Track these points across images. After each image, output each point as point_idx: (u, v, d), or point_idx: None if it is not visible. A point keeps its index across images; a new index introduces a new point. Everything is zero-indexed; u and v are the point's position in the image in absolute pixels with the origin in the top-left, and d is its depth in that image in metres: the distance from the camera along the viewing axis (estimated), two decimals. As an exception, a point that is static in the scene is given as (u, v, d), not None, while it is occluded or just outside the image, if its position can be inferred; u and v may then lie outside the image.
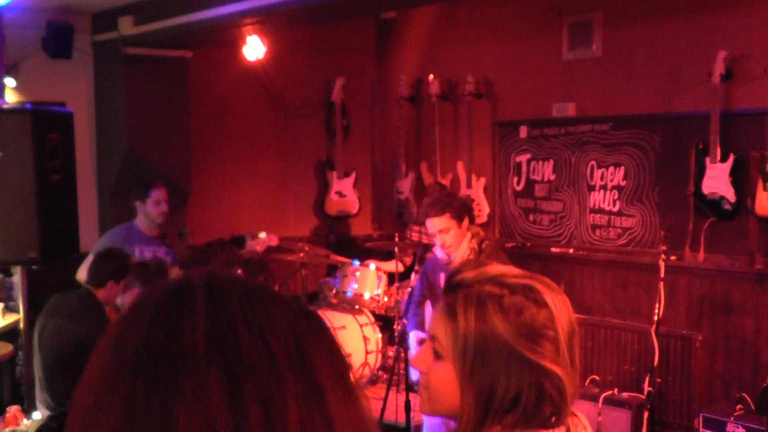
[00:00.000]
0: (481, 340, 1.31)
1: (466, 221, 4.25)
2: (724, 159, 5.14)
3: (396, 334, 5.61)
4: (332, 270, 6.74)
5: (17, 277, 5.28)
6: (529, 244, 6.39)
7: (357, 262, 6.08)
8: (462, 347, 1.33)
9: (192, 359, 0.64)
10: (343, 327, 5.84)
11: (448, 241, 4.21)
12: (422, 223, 4.67)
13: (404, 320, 4.38)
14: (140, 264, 4.33)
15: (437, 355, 1.39)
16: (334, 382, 0.68)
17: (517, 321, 1.31)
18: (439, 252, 4.36)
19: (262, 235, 5.79)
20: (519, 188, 6.48)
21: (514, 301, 1.33)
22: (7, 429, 3.75)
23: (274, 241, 5.82)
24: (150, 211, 5.06)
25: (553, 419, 1.33)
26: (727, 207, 5.16)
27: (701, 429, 4.82)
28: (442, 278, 3.85)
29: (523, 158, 6.44)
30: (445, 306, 1.38)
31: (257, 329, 0.67)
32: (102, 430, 0.64)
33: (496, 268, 1.40)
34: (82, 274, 4.90)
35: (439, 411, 1.43)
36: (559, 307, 1.35)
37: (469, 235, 4.26)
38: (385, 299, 5.98)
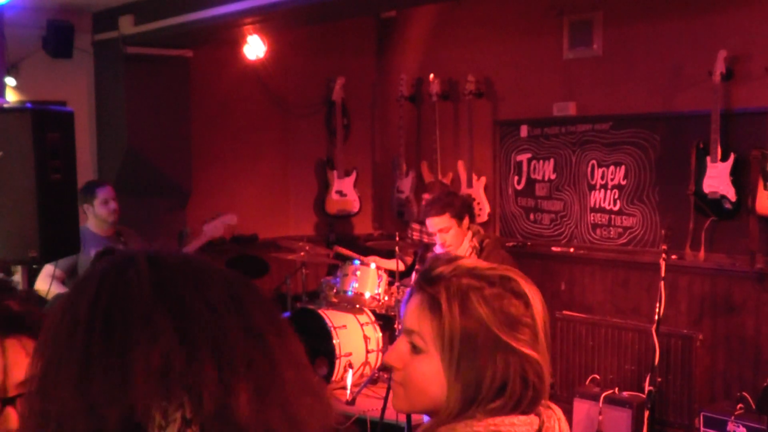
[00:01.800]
0: (467, 332, 1.33)
1: (466, 220, 4.26)
2: (724, 158, 5.14)
3: (396, 333, 5.61)
4: (333, 269, 6.74)
5: (18, 276, 5.28)
6: (529, 243, 6.39)
7: (357, 262, 6.07)
8: (449, 340, 1.33)
9: (141, 306, 0.72)
10: (344, 326, 5.84)
11: (449, 240, 4.22)
12: (423, 222, 4.67)
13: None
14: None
15: (416, 350, 1.38)
16: (270, 326, 0.77)
17: (500, 310, 1.34)
18: (439, 251, 4.37)
19: (218, 216, 5.59)
20: (519, 187, 6.48)
21: (493, 292, 1.35)
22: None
23: (233, 220, 5.71)
24: (99, 211, 5.00)
25: (530, 405, 1.36)
26: (728, 206, 5.16)
27: (702, 428, 4.82)
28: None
29: (523, 157, 6.44)
30: (426, 299, 1.38)
31: (194, 284, 0.75)
32: (62, 379, 0.70)
33: (470, 261, 1.41)
34: (40, 284, 4.93)
35: (417, 407, 1.42)
36: (534, 296, 1.38)
37: (469, 233, 4.27)
38: (386, 298, 5.98)
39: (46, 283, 4.90)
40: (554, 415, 1.41)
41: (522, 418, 1.34)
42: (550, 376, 1.39)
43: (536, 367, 1.34)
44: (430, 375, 1.36)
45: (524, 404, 1.34)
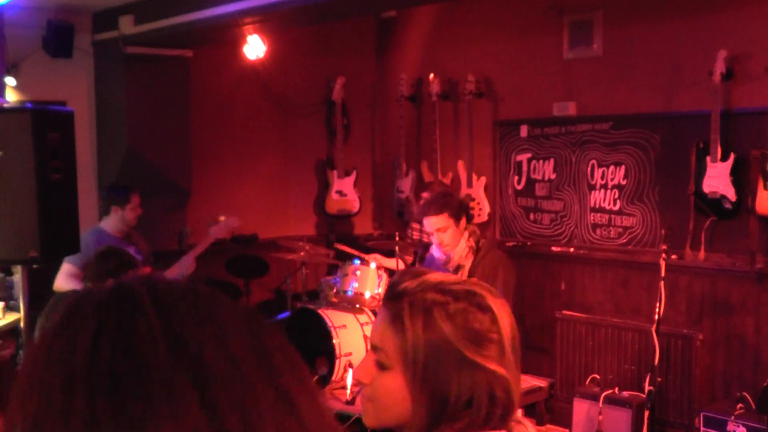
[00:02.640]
0: (430, 348, 1.32)
1: (463, 220, 4.26)
2: (724, 158, 5.14)
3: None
4: (333, 269, 6.74)
5: (18, 276, 5.28)
6: (529, 243, 6.39)
7: (358, 261, 6.07)
8: (412, 356, 1.33)
9: (158, 370, 0.60)
10: (344, 326, 5.84)
11: (446, 240, 4.22)
12: (420, 221, 4.68)
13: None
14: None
15: (382, 366, 1.38)
16: (299, 385, 0.67)
17: (464, 326, 1.32)
18: (436, 251, 4.37)
19: (222, 218, 5.69)
20: (519, 187, 6.48)
21: (458, 307, 1.33)
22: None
23: (237, 223, 5.78)
24: (127, 215, 5.11)
25: (496, 427, 1.34)
26: (728, 206, 5.16)
27: (702, 428, 4.82)
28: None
29: (523, 157, 6.44)
30: (389, 316, 1.37)
31: (214, 334, 0.64)
32: None
33: (437, 276, 1.40)
34: (59, 283, 4.95)
35: (385, 422, 1.41)
36: (501, 311, 1.36)
37: (466, 234, 4.27)
38: (386, 298, 5.97)
39: (69, 282, 4.91)
40: (525, 431, 1.39)
41: None
42: (519, 389, 1.37)
43: (503, 383, 1.32)
44: (395, 391, 1.35)
45: (494, 421, 1.33)
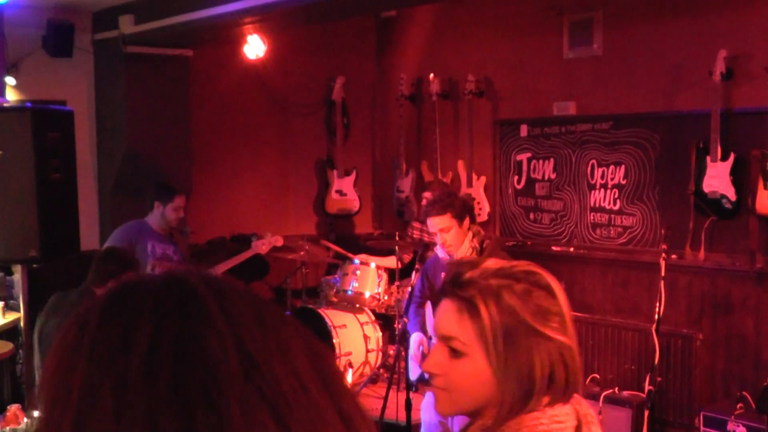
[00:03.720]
0: (507, 328, 1.39)
1: (467, 221, 4.27)
2: (724, 158, 5.14)
3: (396, 332, 5.61)
4: (333, 268, 6.75)
5: (18, 276, 5.28)
6: (529, 243, 6.39)
7: (357, 261, 6.08)
8: (493, 338, 1.40)
9: (230, 388, 0.54)
10: (344, 325, 5.84)
11: (449, 240, 4.23)
12: (424, 222, 4.68)
13: (405, 319, 4.39)
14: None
15: (457, 354, 1.43)
16: (357, 410, 0.63)
17: (531, 304, 1.41)
18: (440, 251, 4.37)
19: (267, 235, 5.88)
20: (519, 187, 6.48)
21: (521, 287, 1.42)
22: (7, 428, 3.75)
23: (279, 242, 5.91)
24: (168, 214, 5.24)
25: (571, 390, 1.44)
26: (728, 206, 5.16)
27: (702, 428, 4.82)
28: (442, 278, 3.84)
29: (523, 157, 6.44)
30: (461, 304, 1.43)
31: (280, 350, 0.59)
32: None
33: (494, 263, 1.48)
34: None
35: (464, 409, 1.47)
36: (557, 286, 1.46)
37: (470, 234, 4.28)
38: (386, 298, 5.98)
39: None
40: (588, 409, 1.48)
41: (567, 409, 1.41)
42: (582, 373, 1.47)
43: (570, 352, 1.41)
44: (475, 375, 1.42)
45: (570, 390, 1.42)
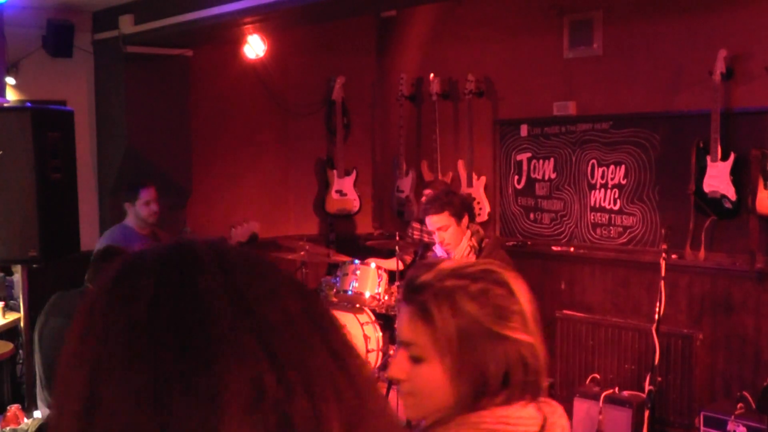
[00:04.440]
0: (461, 331, 1.37)
1: (465, 219, 4.26)
2: (724, 158, 5.14)
3: (397, 332, 5.61)
4: (333, 268, 6.74)
5: (18, 276, 5.28)
6: (529, 243, 6.39)
7: (357, 261, 6.07)
8: (446, 342, 1.38)
9: (221, 321, 0.63)
10: (344, 326, 5.82)
11: (448, 238, 4.22)
12: (423, 221, 4.68)
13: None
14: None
15: (417, 360, 1.42)
16: (346, 346, 0.70)
17: (487, 304, 1.39)
18: (438, 250, 4.37)
19: (244, 223, 5.83)
20: (520, 187, 6.48)
21: (478, 287, 1.40)
22: (7, 428, 3.75)
23: (256, 227, 5.87)
24: (140, 211, 5.16)
25: (533, 395, 1.41)
26: (728, 205, 5.16)
27: (702, 428, 4.82)
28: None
29: (523, 157, 6.44)
30: (415, 309, 1.42)
31: (271, 294, 0.67)
32: (125, 391, 0.61)
33: (450, 263, 1.46)
34: None
35: (429, 412, 1.45)
36: (516, 283, 1.44)
37: (468, 233, 4.27)
38: (386, 298, 5.98)
39: None
40: (557, 411, 1.46)
41: (530, 411, 1.39)
42: (546, 356, 1.43)
43: (532, 350, 1.39)
44: (434, 380, 1.40)
45: (530, 389, 1.40)
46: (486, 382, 1.36)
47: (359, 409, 0.67)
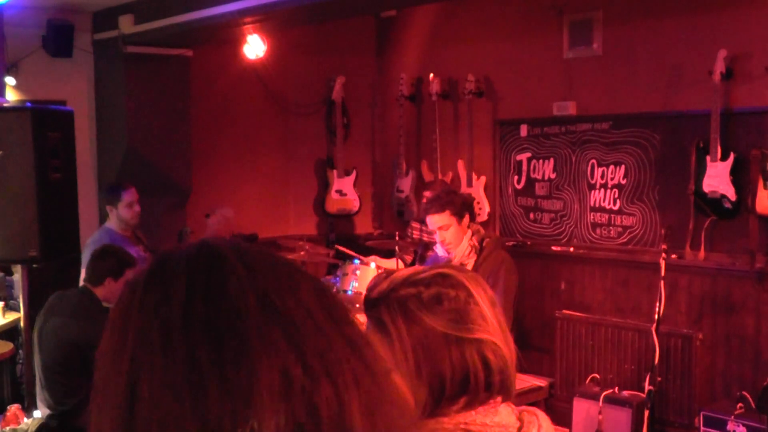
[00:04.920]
0: (416, 341, 1.35)
1: (466, 219, 4.26)
2: (724, 158, 5.14)
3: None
4: (333, 268, 6.74)
5: (17, 276, 5.29)
6: (529, 243, 6.39)
7: (357, 261, 6.07)
8: (402, 355, 1.35)
9: (250, 318, 0.68)
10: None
11: (448, 238, 4.22)
12: (423, 221, 4.68)
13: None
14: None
15: None
16: (360, 336, 0.75)
17: (442, 309, 1.36)
18: (439, 250, 4.37)
19: (217, 211, 5.79)
20: (519, 187, 6.48)
21: (431, 292, 1.37)
22: (7, 428, 3.75)
23: (230, 213, 5.85)
24: (123, 213, 5.14)
25: (501, 394, 1.37)
26: (728, 206, 5.16)
27: (702, 428, 4.82)
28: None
29: (523, 157, 6.44)
30: (372, 324, 1.40)
31: (291, 290, 0.72)
32: (163, 384, 0.66)
33: (405, 270, 1.44)
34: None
35: None
36: (473, 282, 1.41)
37: (469, 232, 4.27)
38: (386, 298, 5.97)
39: None
40: (536, 421, 1.41)
41: (501, 417, 1.35)
42: (513, 351, 1.40)
43: (493, 347, 1.36)
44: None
45: (495, 388, 1.36)
46: (443, 387, 1.34)
47: (376, 395, 0.71)
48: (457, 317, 1.36)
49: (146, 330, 0.68)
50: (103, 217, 6.59)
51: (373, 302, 1.40)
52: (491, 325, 1.38)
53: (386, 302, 1.38)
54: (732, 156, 5.11)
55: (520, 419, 1.38)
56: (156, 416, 0.65)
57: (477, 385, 1.35)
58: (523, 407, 1.42)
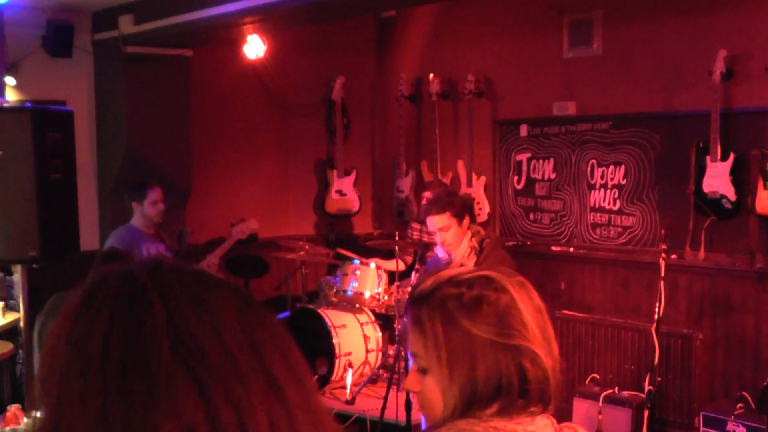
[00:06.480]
0: (452, 341, 1.36)
1: (466, 220, 4.27)
2: (724, 158, 5.14)
3: (396, 332, 5.62)
4: (333, 268, 6.74)
5: (18, 276, 5.29)
6: (529, 243, 6.39)
7: (357, 261, 6.08)
8: (437, 353, 1.37)
9: (161, 368, 0.66)
10: (344, 326, 5.84)
11: (449, 239, 4.23)
12: (423, 222, 4.68)
13: (405, 319, 4.39)
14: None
15: (423, 371, 1.42)
16: (289, 373, 0.72)
17: (482, 311, 1.36)
18: (440, 251, 4.37)
19: (243, 220, 5.92)
20: (519, 187, 6.48)
21: (473, 294, 1.38)
22: (7, 428, 3.75)
23: (255, 225, 5.96)
24: (147, 211, 5.22)
25: (538, 405, 1.36)
26: (728, 206, 5.16)
27: (702, 428, 4.82)
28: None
29: (523, 157, 6.44)
30: (413, 321, 1.42)
31: (211, 327, 0.70)
32: (83, 419, 0.66)
33: (451, 271, 1.44)
34: None
35: (434, 424, 1.44)
36: (518, 288, 1.41)
37: (469, 234, 4.28)
38: (386, 298, 5.98)
39: None
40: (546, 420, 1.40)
41: (530, 428, 1.34)
42: (556, 361, 1.39)
43: (530, 355, 1.35)
44: (437, 390, 1.39)
45: (533, 399, 1.35)
46: (475, 389, 1.34)
47: None
48: (496, 321, 1.36)
49: (70, 365, 0.69)
50: (103, 217, 6.60)
51: (416, 300, 1.42)
52: (531, 333, 1.37)
53: (428, 301, 1.40)
54: (732, 156, 5.11)
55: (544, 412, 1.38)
56: None
57: (510, 392, 1.34)
58: (565, 423, 1.42)
